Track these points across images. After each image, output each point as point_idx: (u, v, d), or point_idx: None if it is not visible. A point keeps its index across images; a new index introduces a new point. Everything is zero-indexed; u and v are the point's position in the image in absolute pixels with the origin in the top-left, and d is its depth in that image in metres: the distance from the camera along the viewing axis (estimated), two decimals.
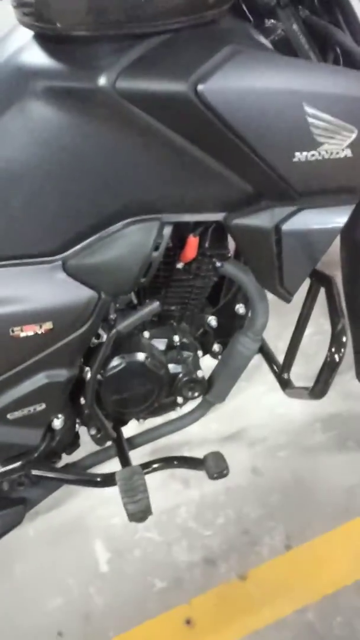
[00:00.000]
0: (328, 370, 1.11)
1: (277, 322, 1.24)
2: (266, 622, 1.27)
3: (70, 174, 0.85)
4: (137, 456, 1.28)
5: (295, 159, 0.85)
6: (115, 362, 1.08)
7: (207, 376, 1.22)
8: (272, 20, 0.95)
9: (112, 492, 1.45)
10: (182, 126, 0.82)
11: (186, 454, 1.51)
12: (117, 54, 0.79)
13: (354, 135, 0.85)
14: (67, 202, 0.88)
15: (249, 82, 0.80)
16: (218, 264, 1.07)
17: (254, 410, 1.65)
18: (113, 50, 0.79)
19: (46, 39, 0.83)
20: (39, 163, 0.84)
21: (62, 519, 1.47)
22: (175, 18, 0.79)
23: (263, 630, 1.26)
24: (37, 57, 0.82)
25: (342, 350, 1.09)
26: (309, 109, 0.82)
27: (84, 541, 1.43)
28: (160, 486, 1.48)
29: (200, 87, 0.77)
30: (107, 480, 1.18)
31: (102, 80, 0.78)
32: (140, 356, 1.09)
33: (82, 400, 1.13)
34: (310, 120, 0.83)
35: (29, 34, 0.85)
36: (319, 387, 1.13)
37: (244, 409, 1.64)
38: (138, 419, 1.25)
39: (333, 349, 1.09)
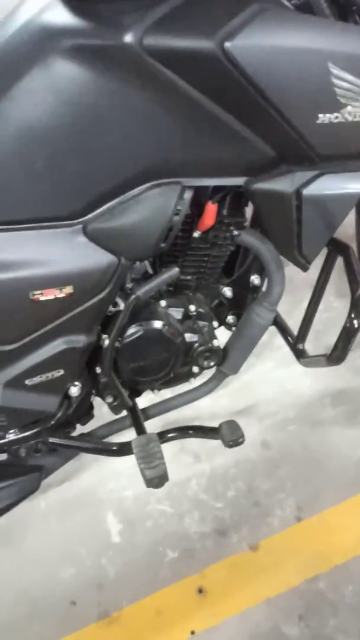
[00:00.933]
0: (347, 336, 1.11)
1: (286, 299, 1.24)
2: (278, 590, 1.29)
3: (93, 133, 0.85)
4: (149, 429, 1.28)
5: (318, 121, 0.85)
6: (132, 329, 1.08)
7: (221, 347, 1.23)
8: None
9: (123, 465, 1.47)
10: (207, 84, 0.82)
11: None
12: (142, 12, 0.79)
13: None
14: (89, 163, 0.87)
15: (276, 40, 0.80)
16: (235, 232, 1.07)
17: (264, 385, 1.65)
18: (138, 8, 0.79)
19: None
20: (61, 122, 0.84)
21: (74, 492, 1.47)
22: None
23: (274, 598, 1.28)
24: (61, 15, 0.82)
25: None
26: (334, 69, 0.82)
27: (95, 513, 1.44)
28: (171, 459, 1.49)
29: (227, 44, 0.77)
30: (123, 448, 1.19)
31: (128, 38, 0.78)
32: (158, 324, 1.09)
33: (98, 370, 1.14)
34: (334, 80, 0.83)
35: None
36: (337, 353, 1.13)
37: (253, 384, 1.65)
38: (153, 389, 1.26)
39: (352, 315, 1.09)
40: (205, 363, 1.19)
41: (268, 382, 1.67)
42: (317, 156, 0.91)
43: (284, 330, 1.31)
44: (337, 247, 1.12)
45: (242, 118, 0.86)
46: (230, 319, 1.25)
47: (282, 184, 0.94)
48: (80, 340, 1.03)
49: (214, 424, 1.27)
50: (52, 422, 1.11)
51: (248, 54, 0.78)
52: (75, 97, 0.82)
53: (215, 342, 1.18)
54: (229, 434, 1.17)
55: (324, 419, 1.57)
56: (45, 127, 0.84)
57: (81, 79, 0.81)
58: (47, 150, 0.85)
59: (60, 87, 0.82)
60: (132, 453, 1.14)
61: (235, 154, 0.91)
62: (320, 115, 0.85)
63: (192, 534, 1.39)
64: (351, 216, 1.26)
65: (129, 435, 1.25)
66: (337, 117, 0.86)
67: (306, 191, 0.94)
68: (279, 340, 1.39)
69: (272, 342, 1.61)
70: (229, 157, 0.91)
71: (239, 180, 0.95)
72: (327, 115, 0.85)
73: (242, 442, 1.16)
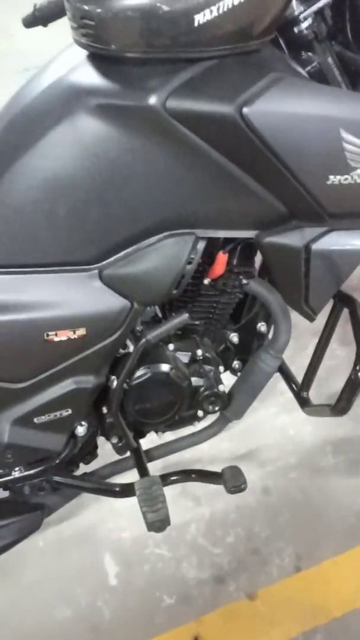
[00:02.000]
0: (352, 388, 1.13)
1: (290, 345, 1.27)
2: None
3: (114, 186, 0.89)
4: (151, 471, 1.29)
5: (329, 182, 0.90)
6: (140, 371, 1.10)
7: (226, 392, 1.25)
8: (308, 53, 1.00)
9: (123, 506, 1.47)
10: (226, 145, 0.86)
11: None
12: (167, 76, 0.84)
13: None
14: (109, 213, 0.92)
15: (291, 107, 0.85)
16: (244, 281, 1.11)
17: (266, 430, 1.66)
18: (164, 72, 0.84)
19: (100, 59, 0.88)
20: (85, 175, 0.88)
21: (73, 531, 1.47)
22: (222, 45, 0.84)
23: None
24: (90, 75, 0.87)
25: None
26: (345, 135, 0.86)
27: (93, 554, 1.44)
28: (171, 502, 1.47)
29: (245, 109, 0.82)
30: (126, 490, 1.20)
31: (153, 100, 0.83)
32: (165, 367, 1.12)
33: (105, 410, 1.15)
34: (345, 145, 0.87)
35: (83, 53, 0.90)
36: (342, 404, 1.15)
37: (255, 429, 1.66)
38: (157, 432, 1.27)
39: (358, 367, 1.12)
40: (210, 407, 1.21)
41: (270, 427, 1.68)
42: (326, 214, 0.95)
43: (288, 377, 1.33)
44: (343, 300, 1.16)
45: (256, 176, 0.90)
46: (236, 364, 1.27)
47: (292, 239, 0.98)
48: (89, 380, 1.06)
49: (215, 467, 1.28)
50: (57, 461, 1.12)
51: (264, 119, 0.83)
52: (99, 152, 0.87)
53: (221, 387, 1.20)
54: (231, 479, 1.18)
55: (325, 467, 1.57)
56: (69, 178, 0.88)
57: (106, 135, 0.86)
58: (69, 200, 0.89)
59: (85, 141, 0.87)
60: (134, 495, 1.15)
61: (249, 209, 0.95)
62: (331, 177, 0.90)
63: (190, 579, 1.38)
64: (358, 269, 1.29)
65: (130, 475, 1.26)
66: (346, 179, 0.90)
67: (315, 246, 0.98)
68: (283, 385, 1.42)
69: (276, 387, 1.62)
70: (243, 211, 0.96)
71: (250, 233, 0.99)
72: (338, 176, 0.90)
73: (244, 489, 1.17)
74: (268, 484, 1.55)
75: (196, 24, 0.79)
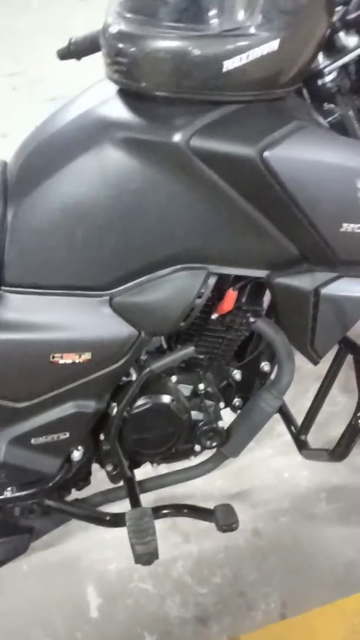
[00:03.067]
0: (351, 435, 1.13)
1: (291, 388, 1.27)
2: None
3: (132, 216, 0.91)
4: (142, 503, 1.28)
5: (342, 229, 0.92)
6: (141, 401, 1.11)
7: (225, 428, 1.25)
8: (331, 105, 1.03)
9: (111, 536, 1.45)
10: (245, 186, 0.88)
11: None
12: (193, 116, 0.87)
13: None
14: (125, 242, 0.93)
15: (310, 155, 0.87)
16: (251, 319, 1.12)
17: (261, 471, 1.65)
18: (190, 112, 0.87)
19: (130, 95, 0.91)
20: (105, 203, 0.91)
21: (58, 558, 1.45)
22: (249, 91, 0.87)
23: None
24: (119, 109, 0.90)
25: None
26: None
27: (77, 583, 1.41)
28: (160, 537, 1.45)
29: (266, 153, 0.85)
30: (117, 519, 1.19)
31: (177, 137, 0.85)
32: (166, 398, 1.12)
33: (102, 437, 1.15)
34: None
35: (113, 88, 0.93)
36: (340, 450, 1.15)
37: (250, 469, 1.65)
38: (152, 463, 1.27)
39: (358, 414, 1.12)
40: (208, 443, 1.21)
41: (265, 468, 1.66)
42: (338, 260, 0.97)
43: (288, 419, 1.33)
44: (348, 345, 1.17)
45: (272, 218, 0.92)
46: (236, 401, 1.27)
47: (302, 281, 1.00)
48: (90, 405, 1.06)
49: (208, 504, 1.27)
50: (50, 484, 1.12)
51: (284, 164, 0.86)
52: (121, 182, 0.89)
53: (220, 423, 1.20)
54: (223, 518, 1.17)
55: (317, 513, 1.55)
56: (90, 205, 0.91)
57: (129, 167, 0.88)
58: (88, 225, 0.91)
59: (109, 171, 0.89)
60: (124, 525, 1.14)
61: (262, 249, 0.97)
62: (345, 224, 0.92)
63: (173, 618, 1.36)
64: None
65: (121, 505, 1.25)
66: (359, 228, 0.92)
67: (324, 291, 0.99)
68: (281, 427, 1.41)
69: (274, 428, 1.61)
70: (256, 251, 0.97)
71: (261, 273, 1.01)
72: (351, 225, 0.92)
73: (235, 528, 1.16)
74: (259, 526, 1.53)
75: (225, 69, 0.82)
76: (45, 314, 0.95)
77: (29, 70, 3.20)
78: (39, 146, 0.96)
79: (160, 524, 1.31)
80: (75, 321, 0.97)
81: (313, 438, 1.33)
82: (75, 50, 1.11)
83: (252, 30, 0.81)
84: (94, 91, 0.96)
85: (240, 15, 0.81)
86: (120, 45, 0.85)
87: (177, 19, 0.83)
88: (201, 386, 1.18)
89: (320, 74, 0.99)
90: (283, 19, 0.82)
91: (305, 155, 0.87)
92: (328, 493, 1.60)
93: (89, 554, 1.46)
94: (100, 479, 1.26)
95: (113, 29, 0.86)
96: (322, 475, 1.62)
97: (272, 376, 1.23)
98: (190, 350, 1.07)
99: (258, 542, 1.50)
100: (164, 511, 1.22)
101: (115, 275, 0.96)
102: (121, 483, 1.25)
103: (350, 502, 1.58)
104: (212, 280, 1.00)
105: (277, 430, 1.65)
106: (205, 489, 1.58)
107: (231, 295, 1.07)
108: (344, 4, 1.01)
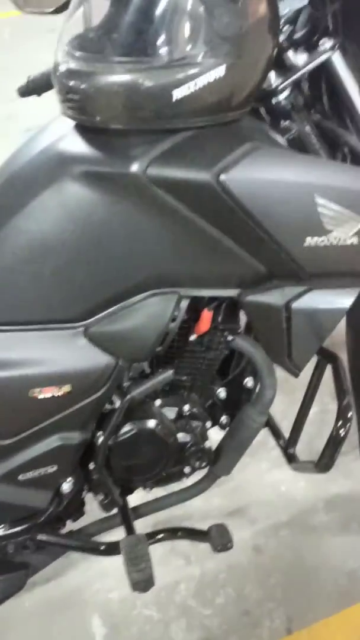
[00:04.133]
0: (333, 445, 1.14)
1: (282, 399, 1.28)
2: None
3: (98, 248, 0.93)
4: (139, 528, 1.28)
5: (306, 244, 0.93)
6: (126, 427, 1.11)
7: (214, 448, 1.25)
8: (287, 122, 1.05)
9: (111, 566, 1.45)
10: (205, 210, 0.90)
11: None
12: (148, 145, 0.88)
13: (359, 225, 0.93)
14: (94, 273, 0.94)
15: (266, 175, 0.89)
16: (229, 337, 1.13)
17: (257, 487, 1.65)
18: (145, 142, 0.89)
19: (86, 130, 0.92)
20: (71, 237, 0.92)
21: (60, 591, 1.44)
22: (201, 117, 0.88)
23: None
24: (77, 144, 0.92)
25: (347, 425, 1.13)
26: (320, 200, 0.90)
27: (80, 615, 1.40)
28: (161, 561, 1.47)
29: (222, 177, 0.86)
30: (111, 548, 1.19)
31: (135, 167, 0.87)
32: (151, 423, 1.12)
33: (91, 466, 1.15)
34: (320, 209, 0.91)
35: (70, 123, 0.95)
36: (325, 461, 1.15)
37: (247, 485, 1.65)
38: (144, 488, 1.27)
39: (339, 424, 1.13)
40: (197, 463, 1.21)
41: (262, 483, 1.66)
42: (305, 274, 0.98)
43: (276, 433, 1.33)
44: (326, 356, 1.17)
45: (236, 239, 0.93)
46: (223, 419, 1.28)
47: (273, 297, 1.01)
48: (75, 437, 1.06)
49: (206, 524, 1.26)
50: (43, 519, 1.11)
51: (241, 185, 0.87)
52: (84, 216, 0.90)
53: (207, 443, 1.20)
54: (217, 538, 1.17)
55: (316, 525, 1.55)
56: (56, 240, 0.92)
57: (91, 200, 0.90)
58: (56, 260, 0.92)
59: (70, 206, 0.90)
60: (120, 553, 1.13)
61: (230, 270, 0.98)
62: (308, 239, 0.93)
63: None
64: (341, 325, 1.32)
65: (118, 532, 1.25)
66: (322, 241, 0.93)
67: (295, 305, 1.00)
68: (274, 440, 1.41)
69: (267, 442, 1.60)
70: (224, 271, 0.98)
71: (232, 292, 1.02)
72: (315, 238, 0.93)
73: (230, 547, 1.16)
74: (259, 542, 1.53)
75: (175, 98, 0.84)
76: (20, 350, 0.96)
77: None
78: (1, 186, 0.97)
79: (160, 548, 1.32)
80: (51, 355, 0.98)
81: (308, 448, 1.33)
82: (34, 88, 1.13)
83: (198, 58, 0.83)
84: (52, 128, 0.98)
85: (185, 45, 0.83)
86: (71, 83, 0.87)
87: (124, 53, 0.85)
88: (186, 407, 1.19)
89: (273, 92, 1.01)
90: (227, 46, 0.84)
91: (261, 175, 0.88)
92: (326, 503, 1.60)
93: (90, 584, 1.46)
94: (96, 507, 1.26)
95: (62, 68, 0.88)
96: (319, 486, 1.62)
97: (257, 390, 1.24)
98: (168, 374, 1.08)
99: (259, 559, 1.50)
100: (159, 536, 1.22)
101: (87, 307, 0.97)
102: (115, 510, 1.24)
103: (348, 510, 1.58)
104: (184, 303, 1.01)
105: (270, 443, 1.64)
106: (202, 508, 1.58)
107: (207, 315, 1.08)
108: (290, 23, 1.03)
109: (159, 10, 0.82)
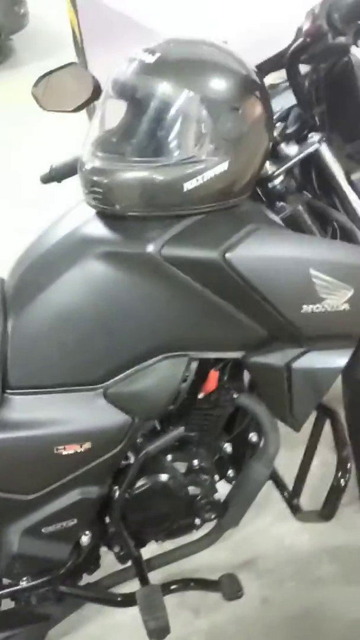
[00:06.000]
0: (335, 494, 1.22)
1: (286, 454, 1.36)
2: None
3: (117, 318, 1.04)
4: (151, 581, 1.33)
5: (303, 310, 1.04)
6: (141, 482, 1.19)
7: (222, 500, 1.32)
8: (282, 203, 1.18)
9: (126, 616, 1.48)
10: (213, 284, 1.02)
11: None
12: (162, 229, 1.01)
13: (350, 293, 1.05)
14: (113, 340, 1.06)
15: (266, 252, 1.01)
16: (235, 395, 1.23)
17: (263, 540, 1.70)
18: (159, 226, 1.01)
19: (107, 216, 1.05)
20: (93, 309, 1.04)
21: None
22: (208, 203, 1.02)
23: None
24: (98, 228, 1.05)
25: (347, 475, 1.21)
26: (314, 272, 1.02)
27: None
28: (171, 614, 1.49)
29: (228, 255, 0.99)
30: (128, 599, 1.25)
31: (151, 248, 0.99)
32: (164, 477, 1.21)
33: (107, 520, 1.23)
34: (314, 280, 1.03)
35: (91, 211, 1.08)
36: (327, 510, 1.23)
37: (253, 539, 1.70)
38: (157, 540, 1.33)
39: (339, 474, 1.21)
40: (207, 515, 1.28)
41: (267, 537, 1.71)
42: (303, 337, 1.09)
43: (280, 485, 1.41)
44: (325, 412, 1.27)
45: (240, 307, 1.05)
46: (230, 473, 1.36)
47: (275, 359, 1.11)
48: (93, 491, 1.15)
49: (214, 577, 1.32)
50: (63, 570, 1.18)
51: (244, 262, 0.99)
52: (106, 291, 1.02)
53: (216, 496, 1.28)
54: (228, 587, 1.23)
55: (320, 576, 1.60)
56: (80, 312, 1.03)
57: (111, 277, 1.02)
58: (79, 330, 1.04)
59: (93, 282, 1.03)
60: (136, 604, 1.19)
61: (235, 334, 1.09)
62: (305, 306, 1.04)
63: None
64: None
65: (132, 585, 1.30)
66: (318, 308, 1.05)
67: (295, 365, 1.11)
68: (278, 494, 1.48)
69: (272, 496, 1.67)
70: (229, 336, 1.10)
71: (237, 354, 1.13)
72: (310, 306, 1.04)
73: (240, 596, 1.22)
74: (266, 594, 1.57)
75: (185, 189, 0.97)
76: (46, 411, 1.06)
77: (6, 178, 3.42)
78: (31, 265, 1.09)
79: (169, 601, 1.36)
80: (74, 414, 1.07)
81: (312, 500, 1.39)
82: (55, 175, 1.27)
83: (205, 156, 0.97)
84: (76, 213, 1.11)
85: (193, 146, 0.97)
86: (95, 179, 1.00)
87: (140, 155, 0.99)
88: (195, 462, 1.27)
89: (269, 178, 1.15)
90: (229, 145, 0.98)
91: (262, 253, 1.01)
92: (329, 555, 1.65)
93: (106, 637, 1.49)
94: (110, 561, 1.32)
95: (88, 166, 1.02)
96: (322, 538, 1.67)
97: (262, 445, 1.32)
98: (180, 430, 1.17)
99: (267, 611, 1.54)
100: (173, 587, 1.28)
101: (106, 370, 1.07)
102: (129, 563, 1.31)
103: (351, 562, 1.63)
104: (194, 365, 1.12)
105: (275, 496, 1.70)
106: (211, 562, 1.62)
107: (213, 375, 1.19)
108: (282, 119, 1.19)
109: (169, 118, 0.96)
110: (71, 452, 1.07)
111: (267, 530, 1.73)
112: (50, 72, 1.25)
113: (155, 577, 1.42)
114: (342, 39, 0.96)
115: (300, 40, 1.00)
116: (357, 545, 1.66)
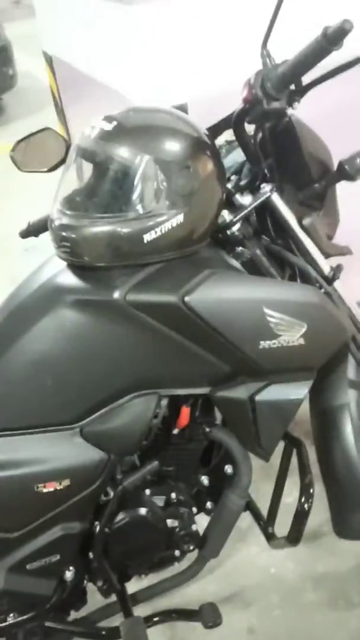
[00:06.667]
0: (299, 519, 1.28)
1: (269, 485, 1.42)
2: None
3: (89, 361, 1.12)
4: (138, 614, 1.37)
5: (260, 347, 1.13)
6: (120, 516, 1.25)
7: (201, 532, 1.38)
8: (241, 248, 1.28)
9: None
10: (175, 325, 1.10)
11: None
12: (126, 277, 1.10)
13: (303, 329, 1.13)
14: (86, 382, 1.14)
15: (223, 294, 1.10)
16: (207, 429, 1.30)
17: (248, 570, 1.74)
18: (124, 274, 1.10)
19: (76, 267, 1.15)
20: (66, 354, 1.12)
21: None
22: (168, 252, 1.11)
23: None
24: (69, 279, 1.14)
25: (310, 500, 1.27)
26: (267, 310, 1.11)
27: None
28: None
29: (187, 298, 1.07)
30: (112, 632, 1.29)
31: (116, 294, 1.08)
32: (142, 511, 1.27)
33: (90, 554, 1.28)
34: (269, 318, 1.11)
35: (62, 263, 1.17)
36: (293, 535, 1.29)
37: (239, 570, 1.74)
38: (140, 574, 1.38)
39: (302, 500, 1.27)
40: (186, 547, 1.33)
41: (254, 567, 1.76)
42: (263, 371, 1.17)
43: (256, 514, 1.47)
44: (291, 442, 1.34)
45: (203, 346, 1.13)
46: (208, 504, 1.42)
47: (239, 393, 1.19)
48: (75, 526, 1.21)
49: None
50: (48, 606, 1.23)
51: (202, 304, 1.08)
52: (77, 336, 1.11)
53: (194, 527, 1.34)
54: (208, 615, 1.28)
55: (306, 603, 1.64)
56: (54, 357, 1.12)
57: (82, 322, 1.11)
58: (54, 374, 1.12)
59: (65, 328, 1.11)
60: (120, 637, 1.24)
61: (200, 371, 1.17)
62: (262, 342, 1.13)
63: None
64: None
65: (119, 619, 1.34)
66: (274, 343, 1.13)
67: (258, 398, 1.19)
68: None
69: (255, 528, 1.73)
70: (195, 373, 1.18)
71: (204, 390, 1.20)
72: (267, 342, 1.13)
73: (219, 623, 1.26)
74: (253, 623, 1.61)
75: (145, 241, 1.07)
76: (26, 451, 1.13)
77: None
78: (9, 314, 1.18)
79: (160, 633, 1.39)
80: (52, 453, 1.15)
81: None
82: (32, 230, 1.38)
83: (162, 210, 1.07)
84: (48, 266, 1.20)
85: (150, 202, 1.07)
86: (64, 234, 1.10)
87: (103, 211, 1.08)
88: (173, 495, 1.33)
89: (228, 226, 1.24)
90: (183, 199, 1.08)
91: (218, 295, 1.10)
92: (314, 582, 1.70)
93: None
94: (100, 598, 1.36)
95: (57, 223, 1.12)
96: (306, 566, 1.72)
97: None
98: (155, 464, 1.24)
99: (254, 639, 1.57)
100: (155, 618, 1.33)
101: (81, 410, 1.15)
102: (114, 597, 1.35)
103: (335, 588, 1.67)
104: (164, 402, 1.20)
105: (258, 529, 1.76)
106: (198, 595, 1.66)
107: (185, 411, 1.26)
108: (236, 173, 1.29)
109: (127, 178, 1.07)
110: (51, 489, 1.14)
111: (253, 561, 1.77)
112: (27, 137, 1.37)
113: (145, 611, 1.46)
114: (276, 104, 1.07)
115: (240, 106, 1.11)
116: (340, 571, 1.71)
